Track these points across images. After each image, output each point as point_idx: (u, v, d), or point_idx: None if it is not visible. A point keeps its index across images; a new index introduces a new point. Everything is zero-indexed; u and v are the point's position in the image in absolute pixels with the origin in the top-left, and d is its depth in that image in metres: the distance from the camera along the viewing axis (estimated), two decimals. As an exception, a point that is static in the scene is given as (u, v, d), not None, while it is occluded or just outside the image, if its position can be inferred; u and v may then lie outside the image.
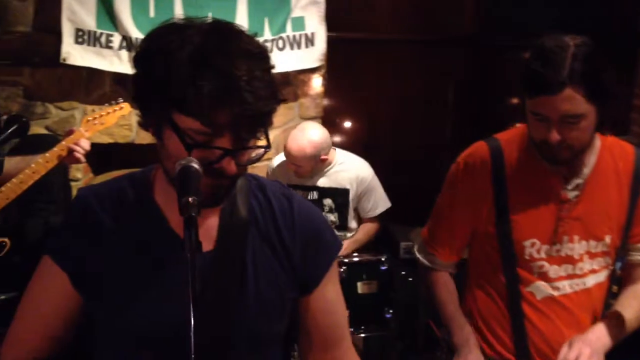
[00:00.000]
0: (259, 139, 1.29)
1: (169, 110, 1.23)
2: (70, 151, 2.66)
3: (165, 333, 1.32)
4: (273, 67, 1.30)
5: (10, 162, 2.73)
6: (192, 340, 1.09)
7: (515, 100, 4.51)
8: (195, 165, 1.22)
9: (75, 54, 3.98)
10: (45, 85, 4.12)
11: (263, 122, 1.26)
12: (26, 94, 4.11)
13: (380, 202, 3.84)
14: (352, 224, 3.83)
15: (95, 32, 3.98)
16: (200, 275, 1.14)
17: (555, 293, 2.02)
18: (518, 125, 2.08)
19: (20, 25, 4.02)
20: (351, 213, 3.78)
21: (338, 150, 3.82)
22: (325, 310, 1.50)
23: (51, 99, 4.15)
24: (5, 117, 2.71)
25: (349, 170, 3.75)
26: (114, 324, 1.36)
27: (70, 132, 2.72)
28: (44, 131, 4.14)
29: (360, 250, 3.72)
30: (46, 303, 1.41)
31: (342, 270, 3.29)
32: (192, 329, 1.09)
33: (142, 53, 1.28)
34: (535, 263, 2.02)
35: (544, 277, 2.02)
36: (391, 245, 4.29)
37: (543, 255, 2.01)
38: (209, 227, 1.39)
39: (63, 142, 2.69)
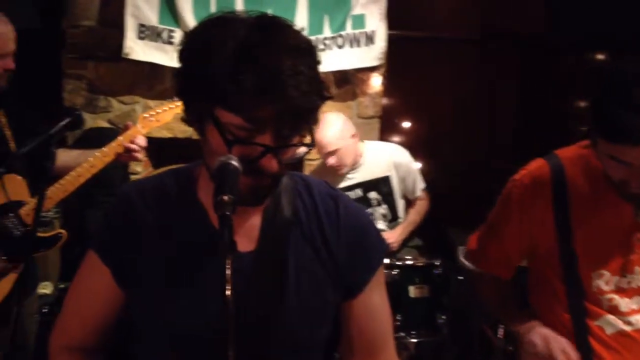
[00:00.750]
0: (302, 136, 1.25)
1: (212, 105, 1.20)
2: (127, 150, 2.68)
3: (201, 333, 1.30)
4: (319, 62, 1.25)
5: (70, 155, 2.78)
6: (231, 343, 1.07)
7: (580, 104, 4.37)
8: (234, 163, 1.19)
9: (137, 49, 4.04)
10: (108, 79, 4.20)
11: (307, 119, 1.22)
12: (90, 88, 4.21)
13: (419, 179, 3.74)
14: (402, 213, 3.75)
15: (157, 28, 4.03)
16: (240, 275, 1.11)
17: (628, 328, 1.86)
18: (581, 141, 1.95)
19: (85, 19, 4.11)
20: (399, 201, 3.70)
21: (366, 141, 3.76)
22: (369, 316, 1.44)
23: (114, 93, 4.23)
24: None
25: (382, 157, 3.67)
26: (152, 321, 1.35)
27: (127, 127, 2.75)
28: (106, 124, 4.23)
29: (414, 253, 3.67)
30: (90, 296, 1.42)
31: (394, 272, 3.24)
32: (228, 329, 1.08)
33: (186, 47, 1.25)
34: (604, 296, 1.86)
35: (614, 310, 1.86)
36: (449, 249, 4.21)
37: (612, 287, 1.86)
38: (252, 226, 1.36)
39: (120, 138, 2.72)
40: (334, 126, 3.49)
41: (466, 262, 2.12)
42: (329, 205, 1.42)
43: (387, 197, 3.66)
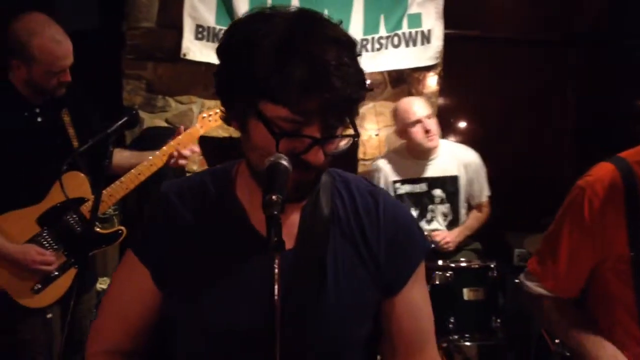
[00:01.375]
0: (346, 127, 1.24)
1: (256, 100, 1.19)
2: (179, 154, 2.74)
3: (242, 332, 1.30)
4: (359, 55, 1.24)
5: (122, 155, 2.85)
6: (278, 343, 1.07)
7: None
8: (285, 163, 1.18)
9: (194, 50, 4.10)
10: (166, 79, 4.28)
11: (350, 110, 1.21)
12: (148, 88, 4.29)
13: (486, 185, 3.70)
14: (464, 217, 3.71)
15: (214, 28, 4.08)
16: (280, 274, 1.11)
17: None
18: None
19: (145, 21, 4.19)
20: (462, 203, 3.66)
21: (441, 140, 3.72)
22: (410, 314, 1.42)
23: (171, 92, 4.30)
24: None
25: (455, 156, 3.64)
26: (190, 321, 1.35)
27: (178, 132, 2.79)
28: (164, 124, 4.30)
29: (469, 254, 3.61)
30: (129, 298, 1.41)
31: (448, 275, 3.19)
32: (276, 331, 1.07)
33: (226, 43, 1.25)
34: None
35: None
36: (505, 251, 4.14)
37: None
38: (291, 224, 1.35)
39: (172, 143, 2.78)
40: (416, 99, 3.58)
41: (528, 284, 1.99)
42: (369, 202, 1.41)
43: (452, 197, 3.63)
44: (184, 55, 4.10)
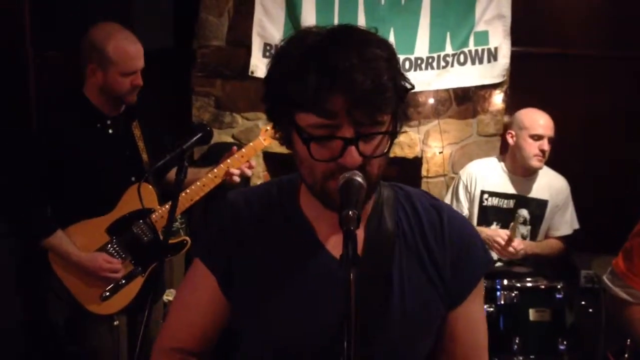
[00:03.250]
0: (382, 125, 1.23)
1: (290, 111, 1.22)
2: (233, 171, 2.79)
3: (304, 348, 1.31)
4: (395, 54, 1.24)
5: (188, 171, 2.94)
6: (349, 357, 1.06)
7: None
8: (359, 179, 1.19)
9: (262, 67, 4.17)
10: (234, 96, 4.37)
11: (381, 105, 1.19)
12: (217, 104, 4.40)
13: (571, 220, 3.64)
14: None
15: (282, 46, 4.14)
16: (341, 285, 1.11)
17: None
18: None
19: (215, 39, 4.31)
20: (543, 230, 3.60)
21: None
22: (467, 328, 1.42)
23: (238, 109, 4.40)
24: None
25: (548, 181, 3.58)
26: (254, 333, 1.37)
27: (232, 152, 2.85)
28: (231, 139, 4.39)
29: (536, 275, 3.54)
30: (197, 305, 1.44)
31: (513, 295, 3.14)
32: (347, 346, 1.06)
33: (268, 66, 1.29)
34: None
35: None
36: (571, 272, 4.03)
37: None
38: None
39: (243, 150, 2.83)
40: (547, 116, 3.46)
41: (615, 289, 1.98)
42: (433, 216, 1.40)
43: (535, 220, 3.56)
44: (252, 72, 4.18)
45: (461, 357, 1.43)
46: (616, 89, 4.66)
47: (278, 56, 1.26)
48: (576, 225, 3.66)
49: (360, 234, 1.34)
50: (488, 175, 3.58)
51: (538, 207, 3.55)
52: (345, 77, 1.15)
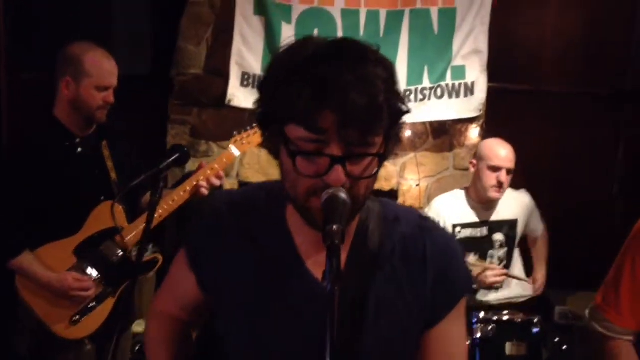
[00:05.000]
0: (373, 146, 1.18)
1: (280, 123, 1.18)
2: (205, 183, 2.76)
3: (282, 356, 1.30)
4: (393, 74, 1.20)
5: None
6: None
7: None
8: (343, 195, 1.15)
9: (239, 96, 4.17)
10: (210, 124, 4.35)
11: (373, 126, 1.15)
12: (192, 133, 4.36)
13: (541, 219, 3.75)
14: (516, 263, 3.65)
15: (260, 76, 4.14)
16: (320, 306, 1.08)
17: None
18: None
19: (193, 67, 4.29)
20: (516, 247, 3.63)
21: None
22: (444, 349, 1.38)
23: (214, 137, 4.36)
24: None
25: (514, 200, 3.60)
26: (231, 341, 1.36)
27: (201, 166, 2.83)
28: (206, 168, 4.34)
29: (511, 309, 3.53)
30: (181, 287, 1.47)
31: (489, 328, 3.11)
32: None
33: (264, 73, 1.26)
34: None
35: None
36: (545, 309, 4.02)
37: None
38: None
39: (216, 165, 2.80)
40: (510, 148, 3.45)
41: (593, 324, 1.97)
42: (417, 235, 1.36)
43: (510, 241, 3.58)
44: (229, 101, 4.17)
45: None
46: (589, 124, 4.73)
47: (275, 63, 1.23)
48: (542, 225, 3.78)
49: (343, 252, 1.27)
50: (455, 208, 3.56)
51: (510, 229, 3.56)
52: (339, 94, 1.11)
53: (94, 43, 2.72)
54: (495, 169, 3.40)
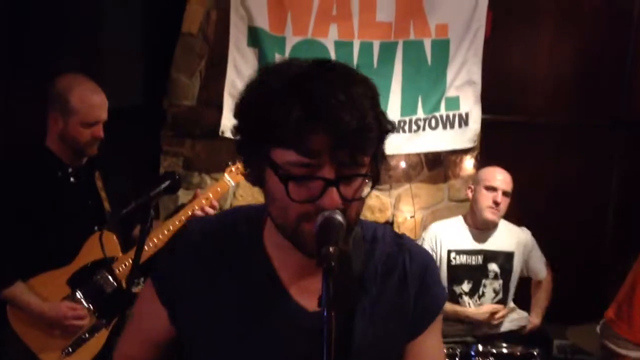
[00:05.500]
0: (363, 166, 1.18)
1: (267, 147, 1.15)
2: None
3: None
4: (377, 95, 1.20)
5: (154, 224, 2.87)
6: None
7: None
8: (339, 217, 1.13)
9: (233, 127, 4.12)
10: (203, 156, 4.30)
11: (364, 146, 1.15)
12: (185, 164, 4.31)
13: (543, 260, 3.76)
14: (511, 300, 3.64)
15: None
16: (307, 335, 1.07)
17: None
18: None
19: (186, 99, 4.26)
20: (514, 283, 3.61)
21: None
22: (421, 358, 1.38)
23: (207, 169, 4.31)
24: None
25: (512, 234, 3.62)
26: None
27: (196, 195, 2.81)
28: (199, 200, 4.29)
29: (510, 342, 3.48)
30: (146, 327, 1.40)
31: (489, 361, 3.07)
32: None
33: (240, 98, 1.22)
34: None
35: None
36: (543, 343, 3.96)
37: None
38: (318, 282, 1.20)
39: (209, 194, 2.80)
40: (506, 172, 3.53)
41: (606, 342, 2.00)
42: (395, 252, 1.36)
43: (505, 274, 3.57)
44: (222, 132, 4.12)
45: None
46: (582, 155, 4.72)
47: (256, 86, 1.19)
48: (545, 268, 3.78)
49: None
50: (452, 234, 3.57)
51: (506, 261, 3.57)
52: (331, 116, 1.10)
53: (82, 75, 2.70)
54: (491, 189, 3.44)
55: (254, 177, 1.23)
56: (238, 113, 1.22)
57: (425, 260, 1.39)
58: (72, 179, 2.72)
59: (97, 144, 2.69)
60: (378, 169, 1.23)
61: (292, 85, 1.13)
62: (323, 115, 1.10)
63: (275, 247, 1.29)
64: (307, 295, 1.13)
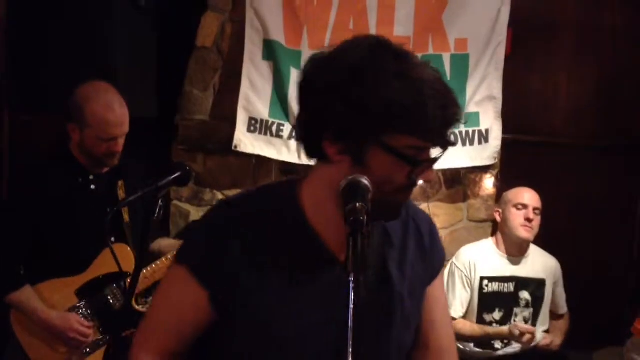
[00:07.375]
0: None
1: (379, 131, 1.21)
2: None
3: (314, 351, 1.30)
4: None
5: (170, 242, 2.79)
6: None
7: None
8: (365, 181, 1.20)
9: (246, 142, 4.04)
10: (216, 172, 4.20)
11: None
12: (197, 180, 4.20)
13: (564, 295, 3.61)
14: (540, 329, 3.47)
15: (267, 122, 4.04)
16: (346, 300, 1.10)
17: None
18: None
19: (198, 113, 4.18)
20: (544, 310, 3.47)
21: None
22: (440, 304, 1.55)
23: (220, 186, 4.22)
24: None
25: (542, 260, 3.50)
26: (254, 342, 1.31)
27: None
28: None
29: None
30: (178, 313, 1.37)
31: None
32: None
33: (328, 78, 1.22)
34: None
35: None
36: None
37: None
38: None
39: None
40: (533, 191, 3.49)
41: (630, 354, 1.91)
42: (405, 214, 1.45)
43: (536, 302, 3.44)
44: (235, 147, 4.04)
45: (425, 331, 1.52)
46: (603, 177, 4.60)
47: (350, 71, 1.21)
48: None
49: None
50: (484, 260, 3.43)
51: (538, 288, 3.44)
52: (451, 104, 1.24)
53: (103, 86, 2.63)
54: (522, 207, 3.34)
55: (340, 154, 1.26)
56: (322, 91, 1.24)
57: (428, 218, 1.57)
58: (92, 186, 2.66)
59: (117, 156, 2.63)
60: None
61: (402, 73, 1.20)
62: (449, 105, 1.23)
63: (318, 213, 1.34)
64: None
